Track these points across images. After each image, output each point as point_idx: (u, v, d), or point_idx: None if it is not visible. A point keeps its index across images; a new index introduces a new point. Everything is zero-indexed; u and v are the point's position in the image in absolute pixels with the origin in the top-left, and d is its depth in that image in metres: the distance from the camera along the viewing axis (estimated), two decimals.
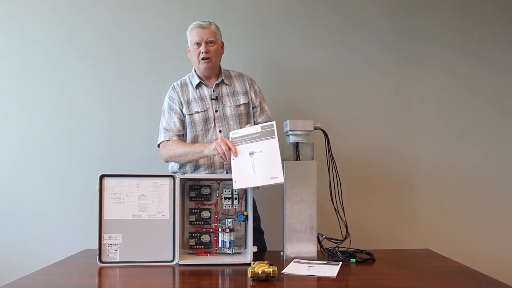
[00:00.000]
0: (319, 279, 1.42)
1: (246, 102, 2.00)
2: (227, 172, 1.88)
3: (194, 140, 1.95)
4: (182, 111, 1.96)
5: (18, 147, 2.40)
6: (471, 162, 2.50)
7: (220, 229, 1.66)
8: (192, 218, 1.69)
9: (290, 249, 1.67)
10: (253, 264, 1.39)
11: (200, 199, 1.70)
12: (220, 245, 1.66)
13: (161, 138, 1.94)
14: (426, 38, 2.50)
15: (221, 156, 1.64)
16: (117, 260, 1.59)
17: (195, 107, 1.95)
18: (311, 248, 1.67)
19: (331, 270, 1.48)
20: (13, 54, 2.42)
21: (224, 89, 2.00)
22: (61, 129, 2.41)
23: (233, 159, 1.61)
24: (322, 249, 1.72)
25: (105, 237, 1.60)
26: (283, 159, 1.55)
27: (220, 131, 1.94)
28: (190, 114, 1.95)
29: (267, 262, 1.40)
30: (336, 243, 1.72)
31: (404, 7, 2.51)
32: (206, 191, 1.70)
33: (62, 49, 2.42)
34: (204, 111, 1.95)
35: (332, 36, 2.49)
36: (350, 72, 2.49)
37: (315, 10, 2.48)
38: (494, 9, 2.52)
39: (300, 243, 1.67)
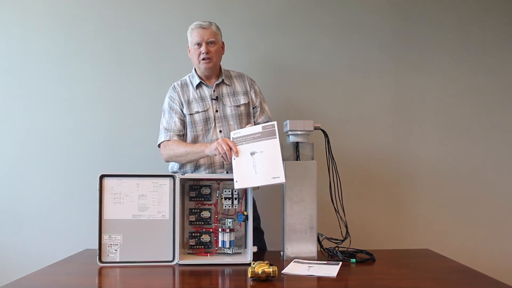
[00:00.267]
0: (319, 279, 1.42)
1: (246, 102, 2.00)
2: (227, 172, 1.89)
3: (195, 140, 1.95)
4: (182, 111, 1.96)
5: (18, 147, 2.40)
6: (471, 162, 2.50)
7: (220, 229, 1.66)
8: (192, 218, 1.69)
9: (290, 249, 1.67)
10: (253, 264, 1.39)
11: (200, 199, 1.70)
12: (220, 245, 1.66)
13: (162, 138, 1.94)
14: (426, 38, 2.51)
15: (222, 156, 1.64)
16: (117, 260, 1.59)
17: (196, 107, 1.95)
18: (311, 248, 1.67)
19: (331, 270, 1.48)
20: (13, 54, 2.42)
21: (225, 89, 2.00)
22: (61, 129, 2.41)
23: (234, 159, 1.61)
24: (322, 249, 1.72)
25: (105, 237, 1.60)
26: (283, 159, 1.55)
27: (220, 131, 1.95)
28: (190, 114, 1.95)
29: (267, 262, 1.40)
30: (336, 243, 1.72)
31: (404, 7, 2.51)
32: (206, 191, 1.70)
33: (62, 49, 2.43)
34: (205, 111, 1.95)
35: (332, 36, 2.49)
36: (350, 72, 2.49)
37: (315, 10, 2.49)
38: (493, 9, 2.52)
39: (300, 243, 1.67)
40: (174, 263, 1.59)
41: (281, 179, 1.52)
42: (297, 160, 1.72)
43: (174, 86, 2.02)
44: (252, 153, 1.59)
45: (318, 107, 2.47)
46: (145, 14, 2.44)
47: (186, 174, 1.70)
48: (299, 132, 1.69)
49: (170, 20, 2.44)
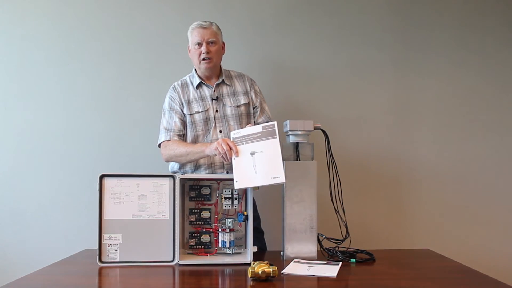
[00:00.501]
0: (319, 279, 1.42)
1: (247, 102, 2.00)
2: (227, 172, 1.89)
3: (195, 140, 1.95)
4: (182, 111, 1.96)
5: (18, 147, 2.40)
6: (470, 162, 2.50)
7: (220, 229, 1.66)
8: (192, 218, 1.69)
9: (290, 249, 1.67)
10: (253, 264, 1.39)
11: (200, 199, 1.70)
12: (220, 245, 1.66)
13: (162, 138, 1.94)
14: (426, 39, 2.51)
15: (222, 156, 1.64)
16: (117, 260, 1.59)
17: (196, 107, 1.95)
18: (311, 248, 1.67)
19: (331, 270, 1.48)
20: (13, 54, 2.42)
21: (225, 89, 2.00)
22: (61, 129, 2.41)
23: (234, 159, 1.61)
24: (322, 249, 1.72)
25: (105, 237, 1.60)
26: (283, 159, 1.55)
27: (220, 131, 1.95)
28: (190, 114, 1.95)
29: (267, 262, 1.40)
30: (336, 243, 1.72)
31: (403, 8, 2.51)
32: (206, 191, 1.70)
33: (62, 48, 2.43)
34: (205, 111, 1.95)
35: (332, 37, 2.49)
36: (350, 72, 2.49)
37: (315, 10, 2.49)
38: (493, 10, 2.52)
39: (300, 243, 1.67)
40: (174, 263, 1.59)
41: (281, 179, 1.52)
42: (297, 160, 1.72)
43: (174, 86, 2.02)
44: (252, 153, 1.59)
45: (318, 107, 2.47)
46: (145, 14, 2.44)
47: (186, 174, 1.70)
48: (299, 132, 1.69)
49: (170, 20, 2.44)
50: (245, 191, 1.69)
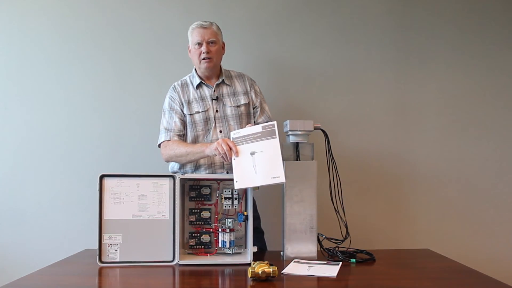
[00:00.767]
0: (319, 279, 1.42)
1: (247, 102, 2.00)
2: (227, 172, 1.88)
3: (195, 140, 1.95)
4: (182, 111, 1.96)
5: (18, 147, 2.40)
6: (471, 162, 2.50)
7: (220, 229, 1.66)
8: (192, 218, 1.69)
9: (290, 249, 1.67)
10: (253, 264, 1.39)
11: (200, 199, 1.70)
12: (220, 245, 1.66)
13: (162, 138, 1.94)
14: (427, 39, 2.51)
15: (222, 156, 1.64)
16: (117, 260, 1.59)
17: (196, 107, 1.95)
18: (311, 248, 1.67)
19: (331, 270, 1.48)
20: (13, 54, 2.42)
21: (225, 89, 2.00)
22: (61, 129, 2.41)
23: (234, 159, 1.61)
24: (322, 249, 1.72)
25: (105, 237, 1.60)
26: (283, 159, 1.55)
27: (220, 131, 1.95)
28: (190, 114, 1.95)
29: (267, 262, 1.40)
30: (336, 243, 1.72)
31: (405, 6, 2.51)
32: (206, 191, 1.70)
33: (62, 48, 2.43)
34: (205, 111, 1.95)
35: (332, 36, 2.49)
36: (350, 72, 2.49)
37: (315, 10, 2.48)
38: (496, 8, 2.52)
39: (300, 243, 1.67)
40: (174, 263, 1.59)
41: (281, 179, 1.52)
42: (297, 160, 1.72)
43: (175, 86, 2.02)
44: (252, 153, 1.59)
45: (318, 107, 2.47)
46: (145, 15, 2.44)
47: (186, 174, 1.70)
48: (299, 132, 1.69)
49: (170, 20, 2.44)
50: (245, 191, 1.69)
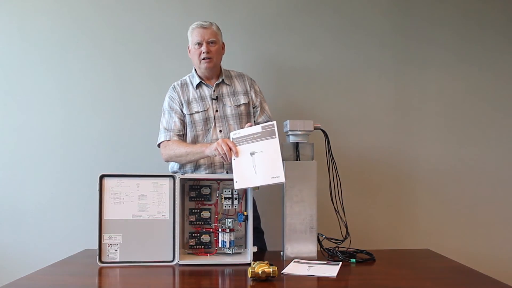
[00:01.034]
0: (319, 279, 1.42)
1: (247, 102, 2.00)
2: (227, 172, 1.88)
3: (195, 140, 1.95)
4: (182, 111, 1.96)
5: (18, 147, 2.40)
6: (471, 162, 2.50)
7: (220, 229, 1.66)
8: (192, 218, 1.69)
9: (290, 249, 1.67)
10: (253, 264, 1.39)
11: (200, 199, 1.70)
12: (220, 245, 1.66)
13: (162, 138, 1.94)
14: (426, 38, 2.51)
15: (222, 157, 1.64)
16: (117, 260, 1.59)
17: (196, 107, 1.95)
18: (311, 248, 1.67)
19: (331, 270, 1.48)
20: (13, 53, 2.42)
21: (225, 89, 2.00)
22: (61, 129, 2.41)
23: (234, 159, 1.61)
24: (322, 249, 1.72)
25: (105, 237, 1.60)
26: (283, 159, 1.55)
27: (220, 131, 1.95)
28: (190, 114, 1.95)
29: (267, 262, 1.40)
30: (336, 243, 1.72)
31: (404, 7, 2.51)
32: (206, 191, 1.70)
33: (62, 49, 2.42)
34: (205, 111, 1.95)
35: (332, 36, 2.49)
36: (350, 72, 2.49)
37: (315, 10, 2.48)
38: (494, 8, 2.52)
39: (300, 243, 1.67)
40: (174, 263, 1.59)
41: (281, 179, 1.52)
42: (297, 160, 1.72)
43: (174, 86, 2.02)
44: (252, 153, 1.59)
45: (318, 107, 2.47)
46: (145, 15, 2.44)
47: (186, 174, 1.70)
48: (299, 132, 1.69)
49: (170, 20, 2.44)
50: (245, 191, 1.69)
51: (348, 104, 2.48)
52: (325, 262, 1.61)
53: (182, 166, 1.96)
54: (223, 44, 2.02)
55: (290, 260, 1.61)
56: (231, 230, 1.65)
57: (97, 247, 1.59)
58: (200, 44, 1.92)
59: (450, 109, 2.51)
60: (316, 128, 1.71)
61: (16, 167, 2.40)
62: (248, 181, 1.56)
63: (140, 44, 2.44)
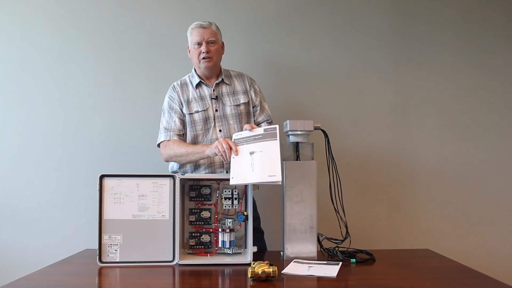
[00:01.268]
0: (319, 279, 1.42)
1: (246, 101, 2.00)
2: (227, 172, 1.88)
3: (194, 140, 1.95)
4: (182, 111, 1.96)
5: (18, 147, 2.40)
6: (471, 162, 2.50)
7: (220, 229, 1.66)
8: (192, 218, 1.69)
9: (290, 249, 1.66)
10: (253, 264, 1.39)
11: (200, 199, 1.70)
12: (220, 245, 1.65)
13: (162, 137, 1.94)
14: (426, 38, 2.51)
15: (221, 155, 1.64)
16: (117, 260, 1.59)
17: (195, 107, 1.95)
18: (311, 248, 1.67)
19: (331, 270, 1.48)
20: (13, 53, 2.42)
21: (224, 89, 2.00)
22: (61, 128, 2.41)
23: (233, 157, 1.61)
24: (322, 249, 1.72)
25: (105, 237, 1.60)
26: (283, 159, 1.55)
27: (220, 131, 1.95)
28: (190, 114, 1.95)
29: (267, 262, 1.40)
30: (336, 243, 1.72)
31: (404, 7, 2.51)
32: (206, 191, 1.70)
33: (62, 48, 2.43)
34: (204, 110, 1.95)
35: (332, 36, 2.49)
36: (350, 72, 2.49)
37: (315, 10, 2.49)
38: (494, 9, 2.52)
39: (300, 243, 1.67)
40: (174, 263, 1.59)
41: (277, 178, 1.50)
42: (297, 160, 1.72)
43: (174, 85, 2.02)
44: (251, 153, 1.59)
45: (318, 107, 2.47)
46: (145, 14, 2.44)
47: (186, 174, 1.70)
48: (299, 132, 1.69)
49: (170, 20, 2.44)
50: (245, 191, 1.69)
51: (348, 104, 2.48)
52: (325, 262, 1.60)
53: (182, 166, 1.96)
54: (223, 43, 2.02)
55: (290, 260, 1.61)
56: (231, 230, 1.65)
57: (97, 247, 1.59)
58: (199, 44, 1.92)
59: (450, 109, 2.51)
60: (316, 128, 1.71)
61: (16, 167, 2.40)
62: (244, 178, 1.55)
63: (139, 44, 2.44)
